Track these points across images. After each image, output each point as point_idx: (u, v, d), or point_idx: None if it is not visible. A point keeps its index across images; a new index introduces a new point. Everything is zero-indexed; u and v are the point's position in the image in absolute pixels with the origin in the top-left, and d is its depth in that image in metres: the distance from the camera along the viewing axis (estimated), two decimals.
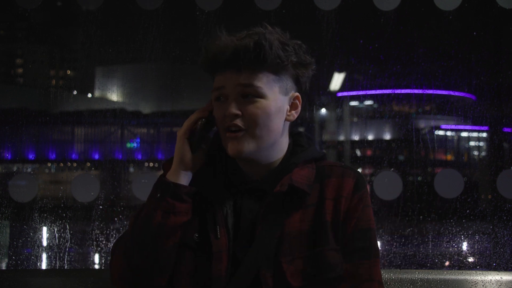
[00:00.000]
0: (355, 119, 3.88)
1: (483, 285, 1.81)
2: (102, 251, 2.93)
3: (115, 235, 2.89)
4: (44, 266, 2.94)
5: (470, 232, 2.84)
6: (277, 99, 1.26)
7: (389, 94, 3.22)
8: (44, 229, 2.88)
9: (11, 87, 4.04)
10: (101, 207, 2.87)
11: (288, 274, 1.20)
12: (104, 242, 2.89)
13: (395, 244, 2.93)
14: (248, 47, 1.20)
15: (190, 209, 1.26)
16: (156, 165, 4.18)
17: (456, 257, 2.90)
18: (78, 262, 3.12)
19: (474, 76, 3.01)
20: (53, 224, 2.84)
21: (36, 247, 2.88)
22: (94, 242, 2.89)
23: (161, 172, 1.35)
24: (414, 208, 2.92)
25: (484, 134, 4.19)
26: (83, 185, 2.80)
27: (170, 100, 3.31)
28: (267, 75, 1.24)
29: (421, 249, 2.97)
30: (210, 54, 1.25)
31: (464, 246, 2.88)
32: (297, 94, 1.31)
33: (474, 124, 3.10)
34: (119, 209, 2.95)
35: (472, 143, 4.68)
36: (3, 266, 3.02)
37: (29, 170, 3.73)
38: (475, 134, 4.58)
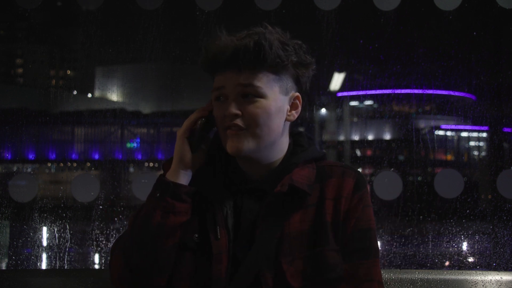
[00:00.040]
0: (355, 119, 3.88)
1: (483, 285, 1.81)
2: (102, 251, 2.93)
3: (115, 235, 2.88)
4: (44, 266, 2.94)
5: (470, 232, 2.84)
6: (277, 99, 1.26)
7: (389, 94, 3.22)
8: (44, 229, 2.88)
9: (11, 87, 4.04)
10: (101, 207, 2.87)
11: (288, 275, 1.20)
12: (104, 242, 2.89)
13: (395, 244, 2.93)
14: (248, 47, 1.20)
15: (189, 209, 1.26)
16: (156, 165, 4.19)
17: (456, 257, 2.90)
18: (78, 262, 3.12)
19: (474, 76, 3.01)
20: (53, 224, 2.84)
21: (36, 247, 2.88)
22: (94, 242, 2.89)
23: (161, 172, 1.35)
24: (414, 208, 2.92)
25: (484, 134, 4.20)
26: (83, 185, 2.80)
27: (170, 100, 3.31)
28: (267, 75, 1.24)
29: (421, 249, 2.97)
30: (210, 54, 1.25)
31: (464, 246, 2.88)
32: (297, 94, 1.31)
33: (474, 124, 3.10)
34: (119, 209, 2.95)
35: (472, 143, 4.68)
36: (3, 266, 3.02)
37: (29, 170, 3.74)
38: (475, 134, 4.58)
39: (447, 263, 2.90)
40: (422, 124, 3.95)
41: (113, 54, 3.05)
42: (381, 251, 2.79)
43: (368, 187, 1.32)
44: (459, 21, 2.87)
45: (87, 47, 2.94)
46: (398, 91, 3.18)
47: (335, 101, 3.46)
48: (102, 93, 3.80)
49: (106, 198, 2.93)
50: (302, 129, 1.42)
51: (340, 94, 3.40)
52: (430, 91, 3.15)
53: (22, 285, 1.82)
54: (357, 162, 3.70)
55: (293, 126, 1.37)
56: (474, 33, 2.96)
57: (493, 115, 2.94)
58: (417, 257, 2.92)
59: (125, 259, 1.25)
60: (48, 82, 3.61)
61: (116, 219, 2.94)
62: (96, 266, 3.16)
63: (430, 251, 2.97)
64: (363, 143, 3.65)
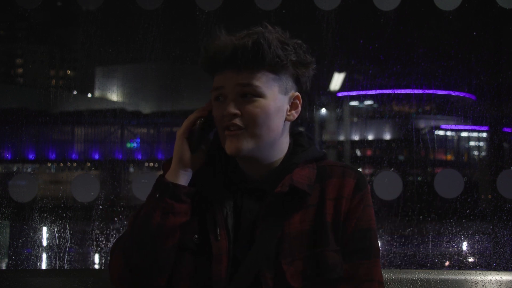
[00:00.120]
0: (355, 119, 3.88)
1: (483, 285, 1.81)
2: (102, 251, 2.93)
3: (115, 235, 2.88)
4: (44, 266, 2.93)
5: (470, 232, 2.84)
6: (277, 99, 1.25)
7: (389, 94, 3.22)
8: (44, 229, 2.88)
9: (11, 87, 4.04)
10: (101, 207, 2.87)
11: (288, 275, 1.20)
12: (104, 242, 2.89)
13: (395, 244, 2.93)
14: (246, 46, 1.20)
15: (189, 210, 1.26)
16: (156, 165, 4.18)
17: (456, 257, 2.90)
18: (78, 262, 3.12)
19: (474, 76, 3.01)
20: (53, 224, 2.84)
21: (36, 247, 2.88)
22: (94, 242, 2.89)
23: (161, 172, 1.35)
24: (414, 208, 2.92)
25: (484, 134, 4.20)
26: (83, 185, 2.80)
27: (170, 100, 3.31)
28: (266, 75, 1.24)
29: (421, 249, 2.97)
30: (210, 54, 1.25)
31: (464, 246, 2.88)
32: (297, 93, 1.31)
33: (474, 124, 3.10)
34: (119, 209, 2.95)
35: (472, 143, 4.68)
36: (3, 266, 3.02)
37: (29, 170, 3.74)
38: (475, 134, 4.58)
39: (447, 263, 2.90)
40: (422, 124, 3.95)
41: (113, 54, 3.05)
42: (381, 251, 2.78)
43: (369, 187, 1.31)
44: (459, 21, 2.87)
45: (87, 47, 2.94)
46: (398, 91, 3.18)
47: (335, 101, 3.46)
48: (102, 93, 3.80)
49: (106, 198, 2.93)
50: (302, 129, 1.41)
51: (340, 94, 3.40)
52: (430, 91, 3.15)
53: (22, 285, 1.82)
54: (357, 162, 3.70)
55: (293, 126, 1.36)
56: (474, 33, 2.96)
57: (493, 115, 2.94)
58: (417, 257, 2.92)
59: (125, 259, 1.25)
60: (48, 82, 3.61)
61: (116, 219, 2.94)
62: (96, 266, 3.16)
63: (430, 251, 2.97)
64: (363, 143, 3.65)
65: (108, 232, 2.89)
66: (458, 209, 2.81)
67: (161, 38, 2.89)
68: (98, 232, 2.88)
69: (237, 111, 1.23)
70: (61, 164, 4.05)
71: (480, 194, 3.03)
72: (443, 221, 2.86)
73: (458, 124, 4.12)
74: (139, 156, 4.12)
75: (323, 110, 3.64)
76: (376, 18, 2.81)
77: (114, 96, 3.74)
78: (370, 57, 3.12)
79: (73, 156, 4.20)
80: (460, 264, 2.85)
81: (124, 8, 3.00)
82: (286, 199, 1.24)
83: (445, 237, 2.84)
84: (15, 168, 3.51)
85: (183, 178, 1.27)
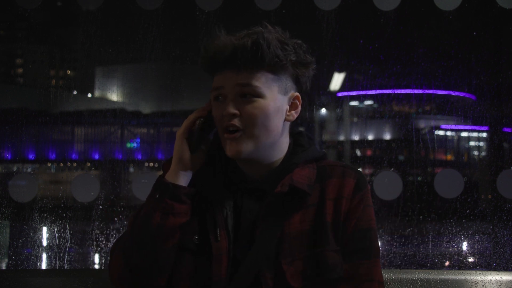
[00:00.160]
0: (355, 119, 3.88)
1: (483, 285, 1.81)
2: (102, 251, 2.93)
3: (115, 235, 2.89)
4: (44, 266, 2.93)
5: (470, 232, 2.84)
6: (276, 99, 1.25)
7: (389, 94, 3.22)
8: (44, 229, 2.88)
9: (11, 87, 4.04)
10: (101, 207, 2.87)
11: (288, 275, 1.20)
12: (104, 242, 2.89)
13: (395, 244, 2.93)
14: (246, 46, 1.20)
15: (189, 210, 1.26)
16: (156, 165, 4.18)
17: (456, 257, 2.90)
18: (78, 262, 3.12)
19: (474, 76, 3.01)
20: (53, 224, 2.84)
21: (36, 247, 2.88)
22: (94, 242, 2.89)
23: (161, 172, 1.34)
24: (414, 208, 2.92)
25: (484, 134, 4.20)
26: (83, 185, 2.80)
27: (170, 100, 3.31)
28: (266, 75, 1.24)
29: (421, 249, 2.97)
30: (209, 54, 1.25)
31: (464, 246, 2.88)
32: (297, 94, 1.31)
33: (474, 124, 3.10)
34: (119, 209, 2.95)
35: (472, 143, 4.68)
36: (3, 266, 3.02)
37: (29, 170, 3.73)
38: (475, 134, 4.58)
39: (447, 263, 2.90)
40: (422, 124, 3.95)
41: (113, 54, 3.05)
42: (381, 251, 2.78)
43: (369, 187, 1.31)
44: (459, 21, 2.87)
45: (87, 47, 2.94)
46: (398, 91, 3.18)
47: (335, 101, 3.46)
48: (102, 93, 3.80)
49: (106, 198, 2.93)
50: (302, 129, 1.41)
51: (340, 94, 3.40)
52: (430, 91, 3.15)
53: (22, 285, 1.82)
54: (357, 162, 3.70)
55: (293, 126, 1.36)
56: (474, 33, 2.96)
57: (493, 115, 2.94)
58: (417, 257, 2.92)
59: (125, 259, 1.25)
60: (48, 82, 3.61)
61: (116, 219, 2.94)
62: (96, 266, 3.16)
63: (430, 251, 2.97)
64: (363, 143, 3.65)
65: (108, 232, 2.89)
66: (458, 209, 2.81)
67: (161, 38, 2.89)
68: (98, 232, 2.88)
69: (236, 111, 1.23)
70: (61, 164, 4.05)
71: (480, 194, 3.03)
72: (443, 221, 2.86)
73: (458, 124, 4.12)
74: (139, 156, 4.12)
75: (323, 110, 3.64)
76: (376, 18, 2.82)
77: (114, 96, 3.74)
78: (370, 57, 3.12)
79: (73, 156, 4.20)
80: (460, 264, 2.85)
81: (124, 8, 3.01)
82: (286, 199, 1.24)
83: (445, 237, 2.84)
84: (15, 168, 3.51)
85: (183, 179, 1.27)
